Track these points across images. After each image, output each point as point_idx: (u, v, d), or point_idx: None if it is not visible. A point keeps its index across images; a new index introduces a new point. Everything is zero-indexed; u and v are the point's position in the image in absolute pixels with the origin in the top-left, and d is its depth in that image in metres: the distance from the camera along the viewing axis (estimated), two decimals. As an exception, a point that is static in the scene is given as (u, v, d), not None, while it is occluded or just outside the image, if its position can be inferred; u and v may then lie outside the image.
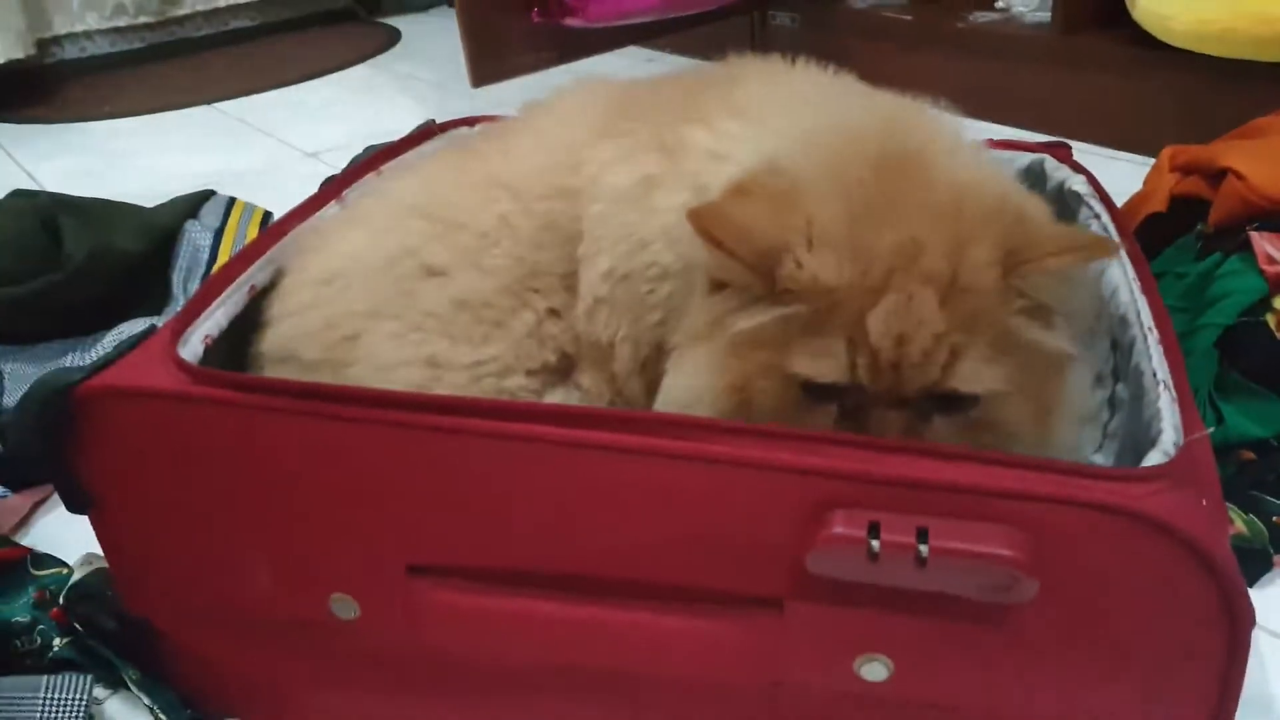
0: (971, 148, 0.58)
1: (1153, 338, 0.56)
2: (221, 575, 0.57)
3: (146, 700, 0.61)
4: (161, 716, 0.60)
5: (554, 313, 0.62)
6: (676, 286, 0.58)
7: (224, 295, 0.61)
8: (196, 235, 1.02)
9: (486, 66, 1.50)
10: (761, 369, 0.52)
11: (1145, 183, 0.94)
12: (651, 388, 0.60)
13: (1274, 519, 0.71)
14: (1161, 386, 0.52)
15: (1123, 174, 0.71)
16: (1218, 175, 0.83)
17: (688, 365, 0.54)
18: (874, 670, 0.49)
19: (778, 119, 0.59)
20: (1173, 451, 0.47)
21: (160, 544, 0.57)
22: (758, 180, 0.53)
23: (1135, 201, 0.92)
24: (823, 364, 0.50)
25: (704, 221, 0.50)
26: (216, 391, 0.52)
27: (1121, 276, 0.63)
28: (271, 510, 0.54)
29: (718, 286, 0.53)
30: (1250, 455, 0.75)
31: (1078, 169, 0.77)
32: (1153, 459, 0.47)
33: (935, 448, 0.47)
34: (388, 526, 0.52)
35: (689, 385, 0.54)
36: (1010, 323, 0.51)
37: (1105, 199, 0.72)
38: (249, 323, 0.64)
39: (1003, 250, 0.50)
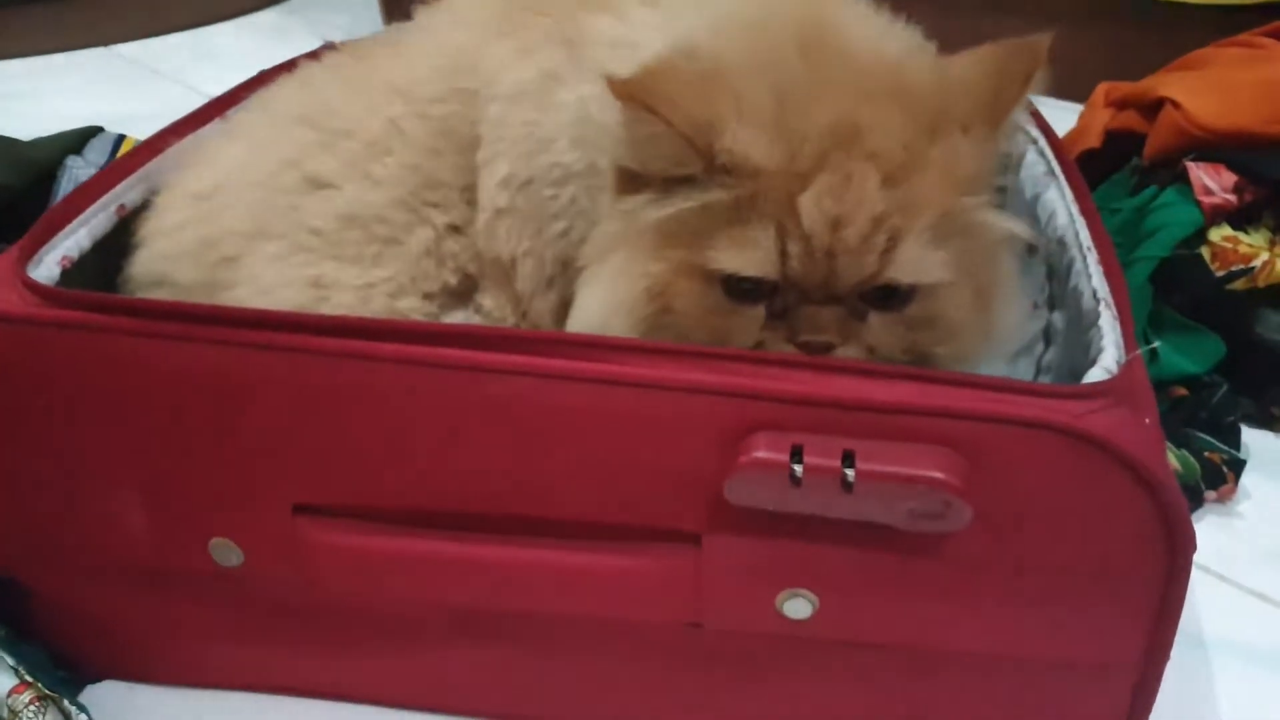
0: (888, 21, 0.53)
1: (1092, 257, 0.53)
2: (90, 521, 0.51)
3: (10, 660, 0.55)
4: (28, 677, 0.55)
5: (454, 229, 0.57)
6: (580, 190, 0.54)
7: (86, 214, 0.55)
8: (79, 171, 0.93)
9: (397, 7, 1.43)
10: (680, 268, 0.47)
11: (1079, 119, 0.91)
12: (560, 309, 0.55)
13: (1205, 455, 0.69)
14: (1102, 305, 0.49)
15: (1054, 120, 0.68)
16: (1154, 107, 0.81)
17: (599, 280, 0.50)
18: (797, 607, 0.45)
19: (689, 5, 0.54)
20: (1114, 369, 0.44)
21: (20, 488, 0.51)
22: (673, 62, 0.48)
23: (1069, 139, 0.89)
24: (748, 256, 0.45)
25: (630, 88, 0.45)
26: (72, 314, 0.46)
27: (1059, 200, 0.60)
28: (141, 446, 0.48)
29: (628, 181, 0.48)
30: (1183, 391, 0.73)
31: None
32: (1094, 376, 0.44)
33: (862, 365, 0.43)
34: (271, 462, 0.48)
35: (602, 301, 0.49)
36: (957, 203, 0.47)
37: (1042, 124, 0.69)
38: (118, 247, 0.58)
39: (925, 121, 0.46)
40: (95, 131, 1.06)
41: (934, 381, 0.42)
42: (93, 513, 0.51)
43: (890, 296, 0.47)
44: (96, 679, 0.57)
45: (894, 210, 0.45)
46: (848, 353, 0.47)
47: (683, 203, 0.46)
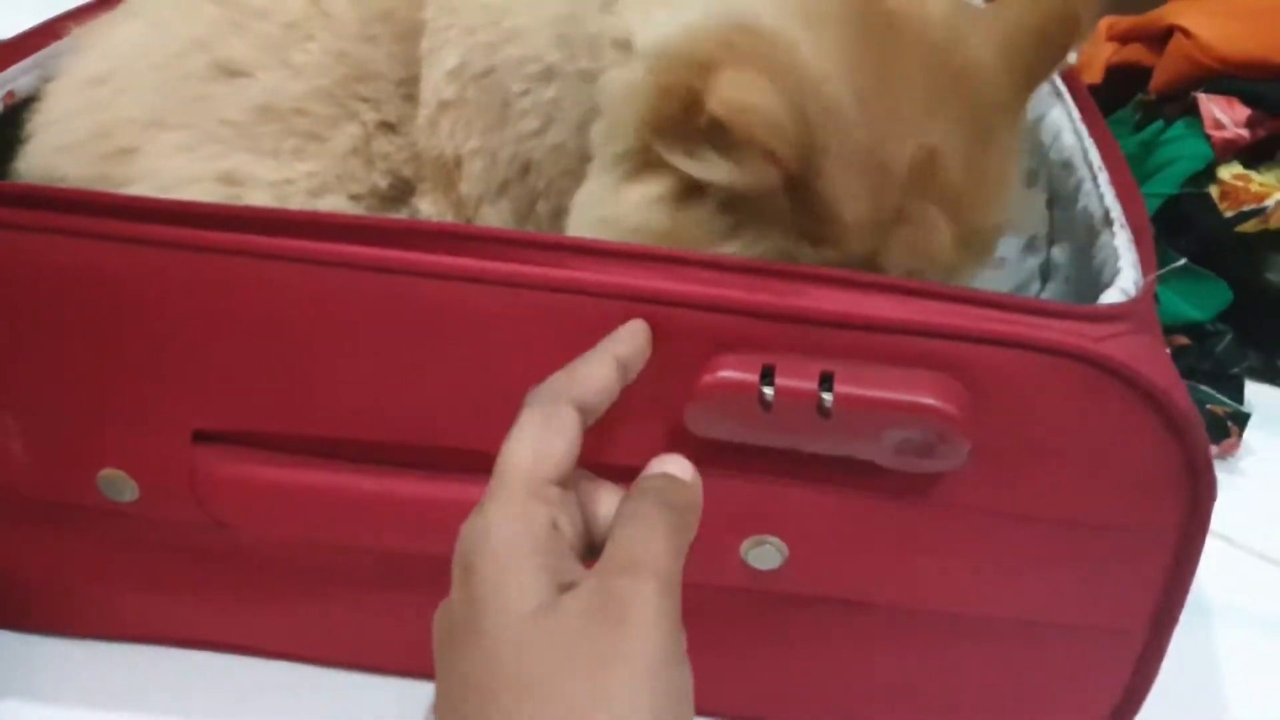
0: None
1: (1103, 177, 0.47)
2: (-37, 448, 0.45)
3: (-120, 606, 0.49)
4: (-99, 625, 0.49)
5: (388, 126, 0.51)
6: (567, 94, 0.46)
7: (-34, 98, 0.48)
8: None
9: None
10: None
11: (1080, 54, 0.86)
12: (513, 223, 0.49)
13: (1208, 407, 0.64)
14: (1116, 225, 0.44)
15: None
16: (1162, 38, 0.75)
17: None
18: (765, 555, 0.40)
19: None
20: (1133, 291, 0.39)
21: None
22: (733, 40, 0.37)
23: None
24: None
25: (732, 104, 0.34)
26: (-76, 200, 0.40)
27: (1065, 119, 0.54)
28: (17, 361, 0.42)
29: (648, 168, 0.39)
30: (1185, 340, 0.68)
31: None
32: (1110, 298, 0.38)
33: (845, 274, 0.37)
34: (166, 380, 0.41)
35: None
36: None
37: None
38: (7, 140, 0.51)
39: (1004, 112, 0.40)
40: None
41: (928, 296, 0.36)
42: (-35, 438, 0.45)
43: None
44: (-19, 628, 0.51)
45: (964, 259, 0.40)
46: None
47: (757, 245, 0.38)
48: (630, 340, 0.36)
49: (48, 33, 0.54)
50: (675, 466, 0.34)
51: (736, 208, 0.38)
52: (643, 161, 0.40)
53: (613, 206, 0.41)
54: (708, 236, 0.39)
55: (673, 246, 0.38)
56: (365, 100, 0.50)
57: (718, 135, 0.35)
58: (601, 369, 0.34)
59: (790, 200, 0.37)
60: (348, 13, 0.50)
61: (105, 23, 0.53)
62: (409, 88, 0.51)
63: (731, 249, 0.39)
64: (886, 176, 0.38)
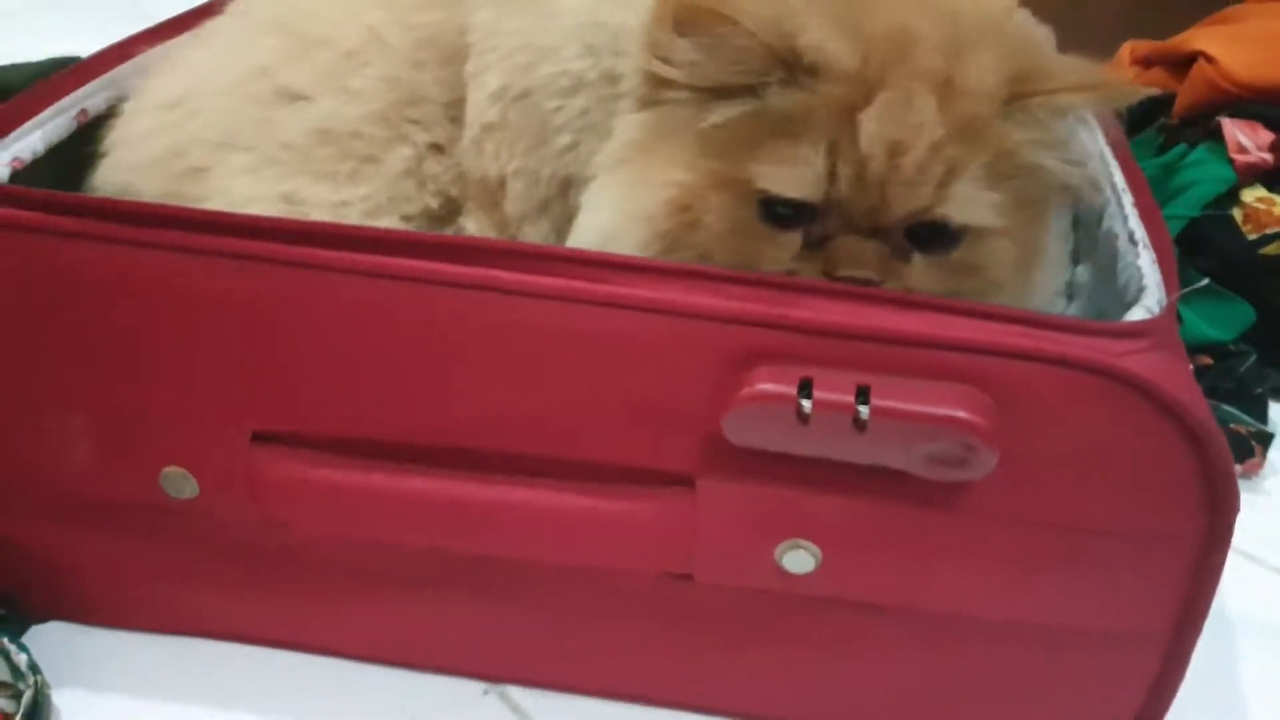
0: None
1: (1127, 199, 0.49)
2: (33, 447, 0.47)
3: (-52, 597, 0.52)
4: (-34, 615, 0.51)
5: (437, 148, 0.53)
6: (593, 100, 0.49)
7: (41, 116, 0.51)
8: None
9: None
10: (715, 181, 0.42)
11: (1104, 78, 0.87)
12: (553, 239, 0.51)
13: (1231, 427, 0.66)
14: (1140, 246, 0.45)
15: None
16: (1184, 64, 0.77)
17: (610, 190, 0.45)
18: (798, 560, 0.41)
19: None
20: (1157, 310, 0.40)
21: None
22: None
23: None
24: (795, 175, 0.41)
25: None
26: (8, 212, 0.42)
27: (1090, 142, 0.56)
28: (88, 363, 0.44)
29: (661, 86, 0.43)
30: (1207, 361, 0.70)
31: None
32: (1135, 316, 0.40)
33: (879, 291, 0.39)
34: (229, 383, 0.43)
35: (615, 210, 0.45)
36: (1013, 141, 0.42)
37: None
38: (80, 156, 0.53)
39: (1009, 68, 0.42)
40: (70, 62, 1.01)
41: (959, 313, 0.38)
42: (35, 438, 0.47)
43: (936, 237, 0.42)
44: (42, 620, 0.53)
45: (953, 139, 0.41)
46: None
47: (731, 111, 0.42)
48: None
49: (119, 54, 0.56)
50: None
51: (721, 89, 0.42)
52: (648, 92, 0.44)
53: (624, 133, 0.46)
54: (694, 112, 0.43)
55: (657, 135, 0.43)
56: (416, 123, 0.53)
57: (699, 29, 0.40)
58: None
59: (774, 71, 0.41)
60: (399, 39, 0.53)
61: (176, 49, 0.56)
62: (455, 110, 0.53)
63: (716, 116, 0.42)
64: (869, 40, 0.41)
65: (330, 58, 0.52)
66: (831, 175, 0.41)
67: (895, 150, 0.41)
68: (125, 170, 0.52)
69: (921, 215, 0.42)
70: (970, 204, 0.42)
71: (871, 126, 0.40)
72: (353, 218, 0.51)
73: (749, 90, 0.42)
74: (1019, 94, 0.42)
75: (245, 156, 0.51)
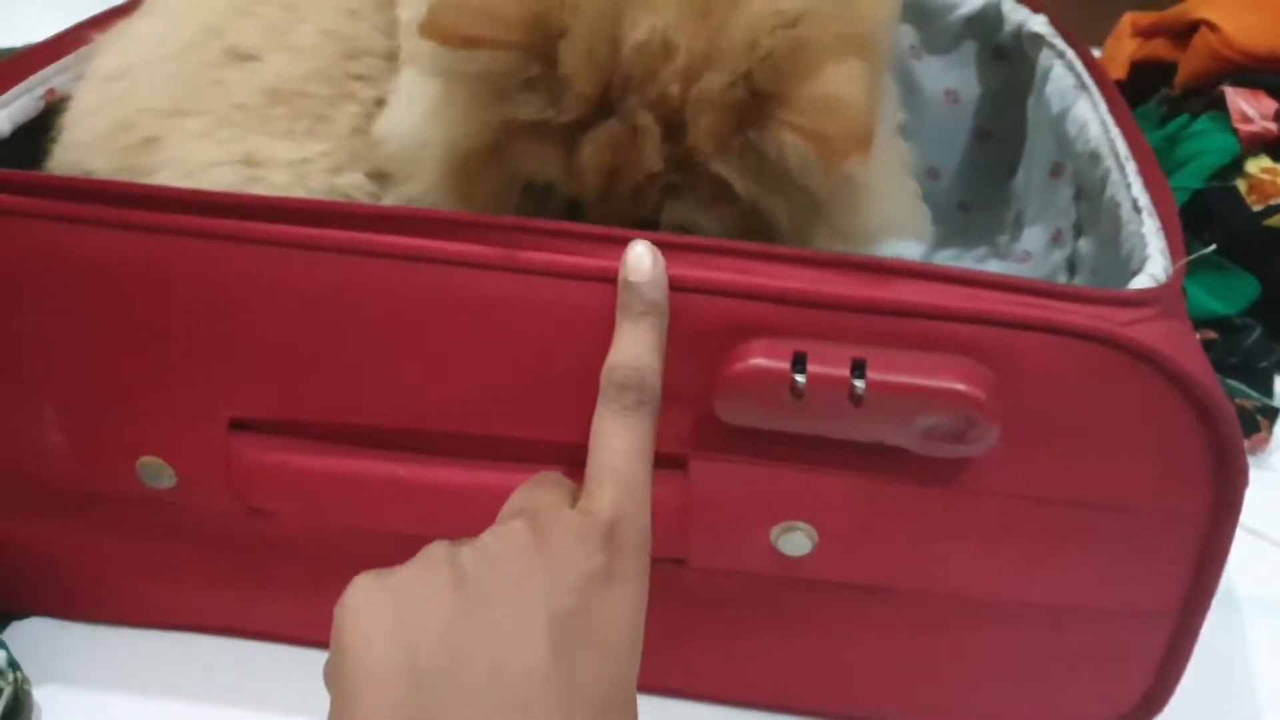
0: None
1: (1130, 167, 0.48)
2: (6, 440, 0.46)
3: (-76, 593, 0.50)
4: (-61, 613, 0.50)
5: (384, 104, 0.50)
6: None
7: (7, 95, 0.49)
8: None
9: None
10: (482, 151, 0.42)
11: (1104, 49, 0.85)
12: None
13: (1236, 401, 0.64)
14: (1144, 214, 0.44)
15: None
16: (1187, 33, 0.75)
17: (416, 94, 0.45)
18: (794, 542, 0.40)
19: None
20: (1162, 278, 0.39)
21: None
22: None
23: (1092, 70, 0.84)
24: (539, 164, 0.42)
25: (441, 19, 0.38)
26: (-32, 194, 0.41)
27: (1091, 110, 0.54)
28: (58, 352, 0.43)
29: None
30: (1212, 335, 0.68)
31: (1037, 8, 0.68)
32: (1140, 284, 0.38)
33: (874, 261, 0.37)
34: (204, 369, 0.42)
35: (420, 120, 0.44)
36: (733, 173, 0.40)
37: (1069, 38, 0.63)
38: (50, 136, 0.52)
39: (742, 96, 0.39)
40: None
41: (956, 281, 0.37)
42: (6, 430, 0.45)
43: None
44: (21, 615, 0.52)
45: (672, 168, 0.40)
46: None
47: (494, 110, 0.41)
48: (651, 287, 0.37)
49: (80, 35, 0.55)
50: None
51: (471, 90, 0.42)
52: None
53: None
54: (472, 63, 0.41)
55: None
56: (359, 78, 0.51)
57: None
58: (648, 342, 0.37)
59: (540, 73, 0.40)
60: None
61: (125, 24, 0.54)
62: (395, 60, 0.51)
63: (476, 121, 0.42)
64: (614, 54, 0.40)
65: (273, 13, 0.50)
66: (568, 176, 0.41)
67: (612, 174, 0.40)
68: (75, 149, 0.50)
69: (648, 219, 0.42)
70: (690, 218, 0.41)
71: (588, 153, 0.40)
72: (316, 175, 0.49)
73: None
74: (747, 123, 0.40)
75: (198, 121, 0.49)
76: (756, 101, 0.39)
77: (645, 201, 0.41)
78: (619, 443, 0.35)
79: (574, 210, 0.43)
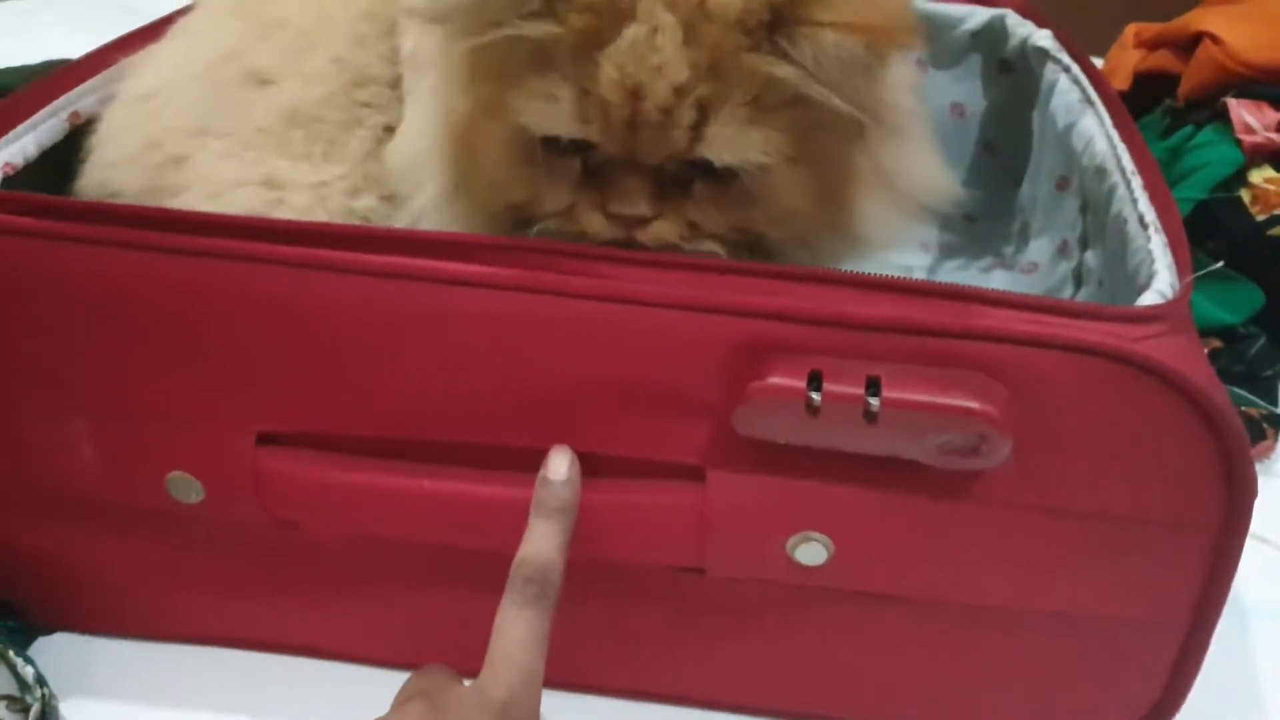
0: None
1: (1136, 182, 0.48)
2: (36, 454, 0.47)
3: (-46, 609, 0.51)
4: (-32, 627, 0.51)
5: (390, 130, 0.52)
6: None
7: (34, 119, 0.50)
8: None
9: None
10: (485, 109, 0.41)
11: (1107, 60, 0.86)
12: None
13: (1242, 410, 0.65)
14: (1151, 230, 0.44)
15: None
16: (1190, 45, 0.76)
17: (414, 113, 0.45)
18: (810, 552, 0.41)
19: None
20: (1170, 294, 0.40)
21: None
22: None
23: (1096, 81, 0.84)
24: (548, 112, 0.39)
25: None
26: (6, 218, 0.42)
27: (1097, 125, 0.55)
28: (88, 369, 0.44)
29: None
30: (1217, 344, 0.69)
31: (1042, 23, 0.69)
32: (1148, 300, 0.39)
33: (888, 280, 0.38)
34: (232, 386, 0.43)
35: (417, 136, 0.45)
36: (776, 74, 0.39)
37: (1075, 53, 0.64)
38: (74, 160, 0.53)
39: None
40: (60, 64, 1.00)
41: (969, 299, 0.38)
42: (38, 444, 0.46)
43: (712, 170, 0.41)
44: (48, 631, 0.53)
45: (701, 77, 0.38)
46: (665, 227, 0.42)
47: (488, 35, 0.40)
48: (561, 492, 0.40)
49: (111, 53, 0.56)
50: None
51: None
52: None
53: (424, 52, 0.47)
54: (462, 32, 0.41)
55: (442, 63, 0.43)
56: (366, 105, 0.52)
57: None
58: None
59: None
60: (341, 14, 0.52)
61: (156, 46, 0.55)
62: (400, 87, 0.52)
63: (480, 38, 0.40)
64: None
65: (289, 38, 0.52)
66: (583, 115, 0.39)
67: (637, 94, 0.38)
68: (105, 168, 0.51)
69: (680, 156, 0.40)
70: (731, 144, 0.39)
71: (609, 68, 0.38)
72: (335, 197, 0.50)
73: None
74: (780, 21, 0.38)
75: (223, 142, 0.50)
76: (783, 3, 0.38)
77: (677, 124, 0.39)
78: (517, 632, 0.38)
79: (590, 170, 0.41)
